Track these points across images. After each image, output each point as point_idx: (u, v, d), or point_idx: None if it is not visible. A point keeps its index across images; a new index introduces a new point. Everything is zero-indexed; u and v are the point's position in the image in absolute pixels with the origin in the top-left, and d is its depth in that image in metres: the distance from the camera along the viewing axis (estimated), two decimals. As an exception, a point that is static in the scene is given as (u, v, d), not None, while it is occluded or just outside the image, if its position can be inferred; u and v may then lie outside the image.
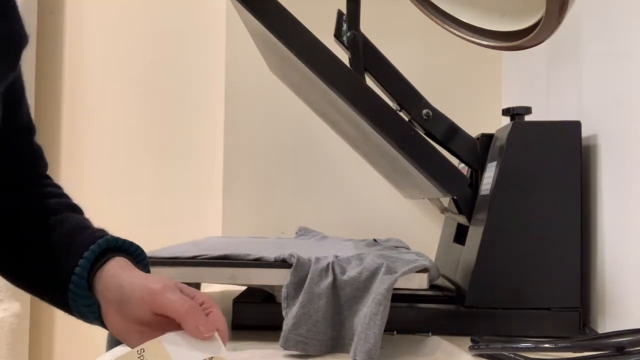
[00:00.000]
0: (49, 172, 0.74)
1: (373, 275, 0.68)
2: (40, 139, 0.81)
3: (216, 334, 0.50)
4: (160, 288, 0.53)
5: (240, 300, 0.78)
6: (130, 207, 1.40)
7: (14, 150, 0.71)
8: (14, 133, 0.70)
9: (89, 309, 0.56)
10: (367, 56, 0.85)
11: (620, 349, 0.57)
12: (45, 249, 0.63)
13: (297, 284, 0.69)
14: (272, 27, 0.70)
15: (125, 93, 1.41)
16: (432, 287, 0.79)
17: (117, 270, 0.59)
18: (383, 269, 0.68)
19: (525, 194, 0.77)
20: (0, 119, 0.65)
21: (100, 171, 1.42)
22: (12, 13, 0.64)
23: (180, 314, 0.51)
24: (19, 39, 0.64)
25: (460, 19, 0.78)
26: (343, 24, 0.85)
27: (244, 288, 0.88)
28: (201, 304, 0.52)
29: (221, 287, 0.98)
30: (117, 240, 0.62)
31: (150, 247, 0.66)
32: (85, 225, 0.65)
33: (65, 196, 0.71)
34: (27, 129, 0.74)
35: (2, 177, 0.70)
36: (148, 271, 0.61)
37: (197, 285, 0.86)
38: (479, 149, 0.86)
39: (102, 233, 0.63)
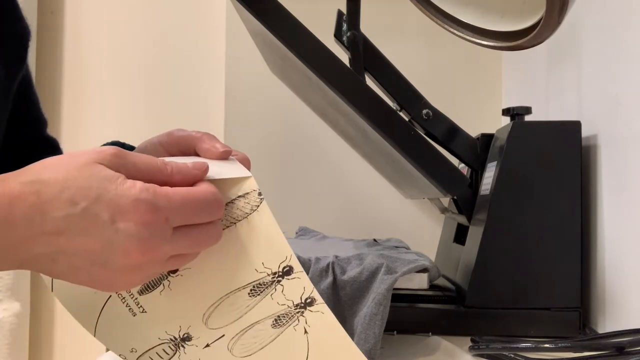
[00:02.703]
0: None
1: (373, 275, 0.68)
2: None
3: (235, 159, 0.48)
4: (176, 129, 0.52)
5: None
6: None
7: (27, 143, 0.72)
8: (25, 126, 0.71)
9: None
10: (367, 56, 0.85)
11: (620, 349, 0.57)
12: None
13: (297, 284, 0.69)
14: (272, 27, 0.69)
15: (125, 93, 1.41)
16: (432, 287, 0.79)
17: None
18: (383, 269, 0.68)
19: (525, 194, 0.77)
20: (9, 113, 0.65)
21: (100, 171, 1.41)
22: (16, 11, 0.64)
23: (195, 138, 0.49)
24: (25, 36, 0.65)
25: (461, 19, 0.78)
26: (343, 24, 0.85)
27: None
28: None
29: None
30: (123, 144, 0.63)
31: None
32: None
33: None
34: (37, 121, 0.74)
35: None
36: None
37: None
38: (479, 149, 0.86)
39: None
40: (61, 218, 0.38)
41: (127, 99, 1.41)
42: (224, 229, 0.45)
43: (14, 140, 0.68)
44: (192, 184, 0.43)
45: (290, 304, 0.45)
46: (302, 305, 0.45)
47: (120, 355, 0.47)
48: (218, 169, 0.46)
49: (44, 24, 1.42)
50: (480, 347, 0.65)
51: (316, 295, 0.45)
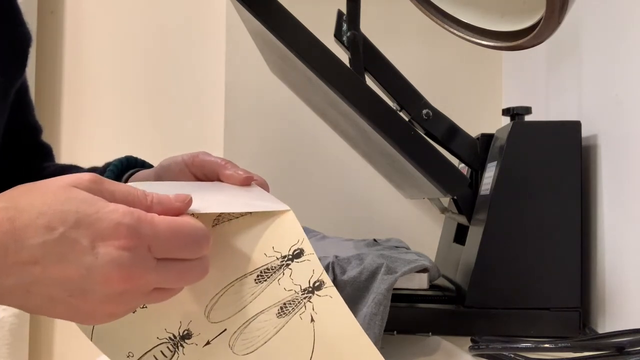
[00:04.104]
0: None
1: (373, 275, 0.68)
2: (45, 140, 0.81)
3: (255, 185, 0.49)
4: (202, 152, 0.54)
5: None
6: (130, 207, 1.40)
7: (20, 148, 0.72)
8: (20, 131, 0.71)
9: None
10: (367, 56, 0.85)
11: (620, 349, 0.57)
12: None
13: (297, 284, 0.69)
14: (272, 27, 0.69)
15: (125, 93, 1.41)
16: (432, 287, 0.79)
17: (147, 170, 0.59)
18: (383, 269, 0.68)
19: (525, 194, 0.77)
20: (7, 119, 0.66)
21: (100, 171, 1.41)
22: (17, 16, 0.64)
23: (219, 165, 0.51)
24: (26, 41, 0.66)
25: (461, 19, 0.78)
26: (343, 24, 0.85)
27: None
28: None
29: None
30: (136, 159, 0.63)
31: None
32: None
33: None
34: (34, 127, 0.75)
35: (9, 172, 0.71)
36: None
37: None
38: (479, 149, 0.86)
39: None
40: (37, 245, 0.36)
41: (127, 99, 1.41)
42: (237, 217, 0.44)
43: (10, 146, 0.68)
44: (174, 216, 0.41)
45: (298, 289, 0.43)
46: (310, 289, 0.43)
47: None
48: (253, 202, 0.45)
49: (44, 24, 1.42)
50: (480, 347, 0.65)
51: (325, 278, 0.43)
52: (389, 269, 0.69)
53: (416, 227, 1.24)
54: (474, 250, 0.77)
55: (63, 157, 1.42)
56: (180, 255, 0.39)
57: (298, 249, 0.43)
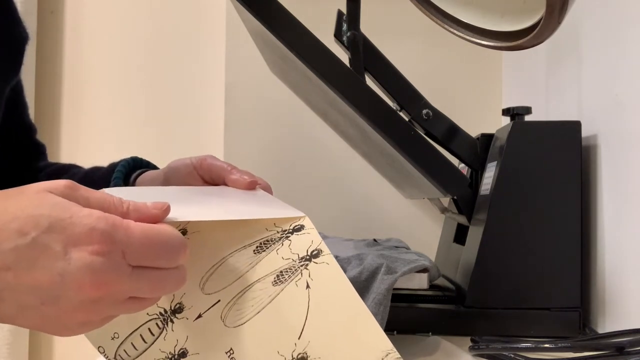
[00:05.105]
0: None
1: (373, 275, 0.68)
2: (40, 139, 0.81)
3: (260, 189, 0.51)
4: (209, 156, 0.56)
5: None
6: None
7: (17, 147, 0.72)
8: (16, 131, 0.72)
9: None
10: (367, 56, 0.85)
11: (620, 349, 0.57)
12: None
13: (297, 284, 0.69)
14: (272, 27, 0.69)
15: (125, 93, 1.41)
16: (432, 287, 0.79)
17: (155, 171, 0.61)
18: (383, 269, 0.68)
19: (525, 194, 0.77)
20: (1, 118, 0.66)
21: (100, 171, 1.41)
22: (14, 15, 0.64)
23: (225, 170, 0.53)
24: (22, 40, 0.66)
25: (461, 19, 0.77)
26: (343, 24, 0.85)
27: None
28: None
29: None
30: (141, 160, 0.64)
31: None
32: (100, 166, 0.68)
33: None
34: (29, 127, 0.75)
35: (8, 171, 0.71)
36: None
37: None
38: (479, 149, 0.86)
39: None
40: (9, 251, 0.35)
41: (127, 98, 1.41)
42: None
43: (5, 144, 0.69)
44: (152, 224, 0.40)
45: (295, 257, 0.43)
46: (307, 257, 0.43)
47: (99, 348, 0.43)
48: (267, 209, 0.46)
49: (44, 24, 1.42)
50: (480, 347, 0.65)
51: (324, 247, 0.43)
52: (389, 269, 0.68)
53: (416, 227, 1.24)
54: (474, 250, 0.77)
55: (63, 157, 1.42)
56: (155, 264, 0.38)
57: (299, 224, 0.44)
